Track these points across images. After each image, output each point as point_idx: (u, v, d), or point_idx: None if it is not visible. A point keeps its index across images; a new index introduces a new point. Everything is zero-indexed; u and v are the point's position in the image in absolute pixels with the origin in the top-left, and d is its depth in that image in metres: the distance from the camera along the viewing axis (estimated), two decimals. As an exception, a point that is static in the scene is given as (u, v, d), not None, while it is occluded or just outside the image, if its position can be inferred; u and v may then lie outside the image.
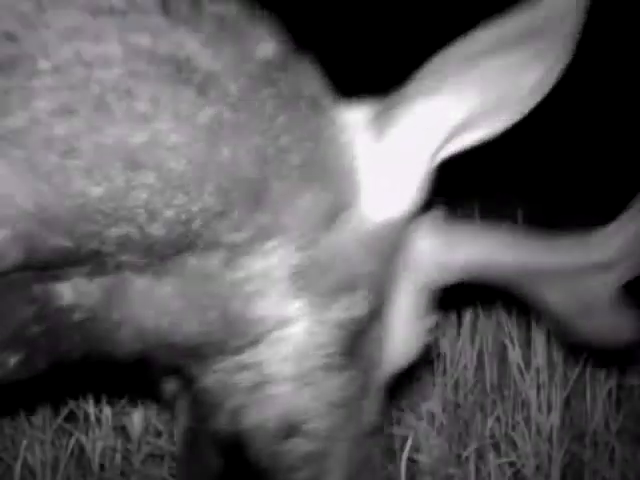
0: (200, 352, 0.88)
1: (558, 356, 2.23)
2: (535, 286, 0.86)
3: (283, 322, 0.83)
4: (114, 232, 0.80)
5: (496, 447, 2.21)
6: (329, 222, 0.84)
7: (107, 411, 2.18)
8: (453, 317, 2.49)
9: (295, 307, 0.84)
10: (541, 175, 6.18)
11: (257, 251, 0.84)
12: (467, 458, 2.21)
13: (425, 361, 2.42)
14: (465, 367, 2.41)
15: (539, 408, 2.17)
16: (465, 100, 0.84)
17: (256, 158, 0.82)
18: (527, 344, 2.36)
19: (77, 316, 0.85)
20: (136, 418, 2.14)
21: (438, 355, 2.42)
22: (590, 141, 6.46)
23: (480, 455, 2.22)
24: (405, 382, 2.35)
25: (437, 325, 2.46)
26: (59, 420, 2.18)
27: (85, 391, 2.23)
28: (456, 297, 2.50)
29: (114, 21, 0.81)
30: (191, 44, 0.83)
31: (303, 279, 0.84)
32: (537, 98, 0.88)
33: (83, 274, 0.84)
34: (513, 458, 2.16)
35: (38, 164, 0.78)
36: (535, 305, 0.90)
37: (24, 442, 2.09)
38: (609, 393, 2.30)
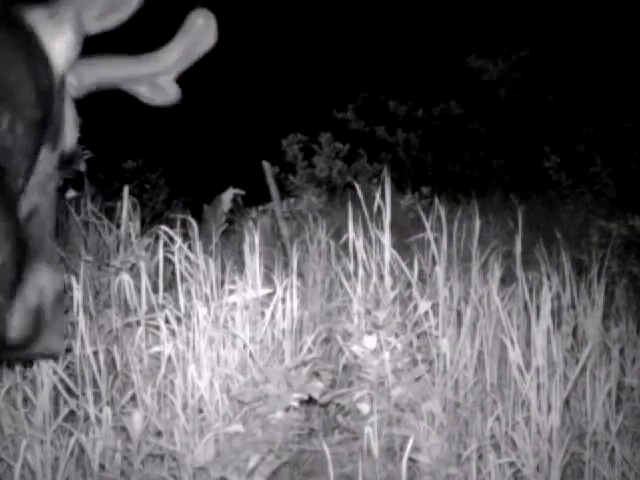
0: None
1: (558, 356, 2.23)
2: (131, 85, 1.40)
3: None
4: None
5: (496, 447, 2.21)
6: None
7: (107, 411, 2.18)
8: (453, 317, 2.49)
9: None
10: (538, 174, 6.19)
11: None
12: (467, 458, 2.21)
13: (425, 361, 2.43)
14: (465, 367, 2.41)
15: (539, 408, 2.17)
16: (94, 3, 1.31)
17: None
18: (527, 344, 2.36)
19: None
20: (136, 418, 2.14)
21: (438, 355, 2.43)
22: (588, 140, 6.46)
23: (480, 455, 2.23)
24: (404, 382, 2.35)
25: (437, 325, 2.47)
26: (59, 420, 2.19)
27: (85, 391, 2.24)
28: (456, 295, 2.52)
29: None
30: None
31: None
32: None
33: None
34: (513, 458, 2.16)
35: None
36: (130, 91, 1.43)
37: (24, 442, 2.10)
38: (609, 393, 2.30)
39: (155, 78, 1.42)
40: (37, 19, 1.28)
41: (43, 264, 1.39)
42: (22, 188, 1.26)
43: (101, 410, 2.19)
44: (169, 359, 2.28)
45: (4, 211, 1.13)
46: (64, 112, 1.36)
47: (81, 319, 2.28)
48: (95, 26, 1.37)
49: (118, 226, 2.77)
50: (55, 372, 2.21)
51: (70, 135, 1.40)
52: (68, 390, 2.24)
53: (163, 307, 2.41)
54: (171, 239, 2.52)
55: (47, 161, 1.32)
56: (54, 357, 1.67)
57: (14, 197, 1.22)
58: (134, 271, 2.54)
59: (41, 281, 1.38)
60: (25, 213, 1.31)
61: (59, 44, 1.29)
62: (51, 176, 1.34)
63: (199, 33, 1.40)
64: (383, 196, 2.56)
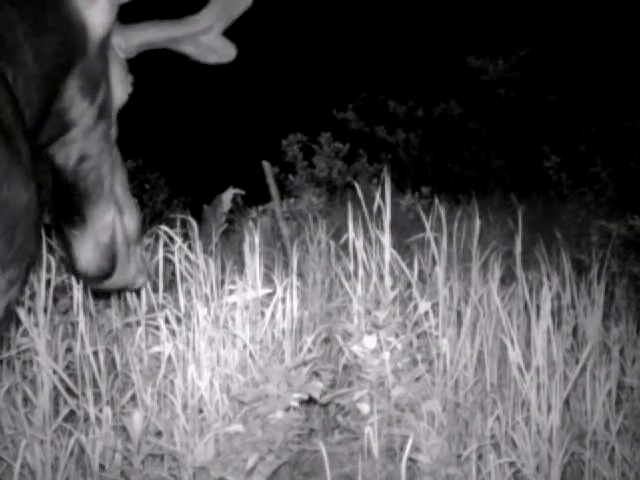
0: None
1: (558, 356, 2.23)
2: (175, 46, 1.63)
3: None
4: None
5: (496, 447, 2.21)
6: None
7: (107, 411, 2.18)
8: (453, 317, 2.49)
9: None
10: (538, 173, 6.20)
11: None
12: (467, 458, 2.21)
13: (425, 361, 2.43)
14: (465, 367, 2.41)
15: (539, 408, 2.17)
16: None
17: None
18: (527, 344, 2.36)
19: None
20: (136, 418, 2.14)
21: (438, 355, 2.43)
22: (586, 139, 6.46)
23: (480, 455, 2.23)
24: (404, 382, 2.35)
25: (437, 325, 2.47)
26: (59, 420, 2.19)
27: (85, 391, 2.24)
28: (456, 296, 2.52)
29: None
30: None
31: None
32: None
33: None
34: (513, 458, 2.16)
35: None
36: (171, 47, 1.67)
37: (24, 442, 2.10)
38: (609, 393, 2.30)
39: (197, 38, 1.63)
40: None
41: (110, 205, 1.63)
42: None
43: (101, 410, 2.19)
44: (169, 359, 2.28)
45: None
46: (107, 71, 1.57)
47: (81, 319, 2.28)
48: None
49: (118, 226, 2.77)
50: (55, 372, 2.21)
51: (120, 91, 1.62)
52: (68, 390, 2.24)
53: (163, 307, 2.41)
54: (171, 239, 2.52)
55: (88, 113, 1.54)
56: (133, 291, 1.97)
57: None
58: (134, 271, 2.54)
59: (109, 220, 1.63)
60: (75, 158, 1.57)
61: (94, 12, 1.50)
62: (93, 126, 1.56)
63: None
64: (383, 196, 2.55)
